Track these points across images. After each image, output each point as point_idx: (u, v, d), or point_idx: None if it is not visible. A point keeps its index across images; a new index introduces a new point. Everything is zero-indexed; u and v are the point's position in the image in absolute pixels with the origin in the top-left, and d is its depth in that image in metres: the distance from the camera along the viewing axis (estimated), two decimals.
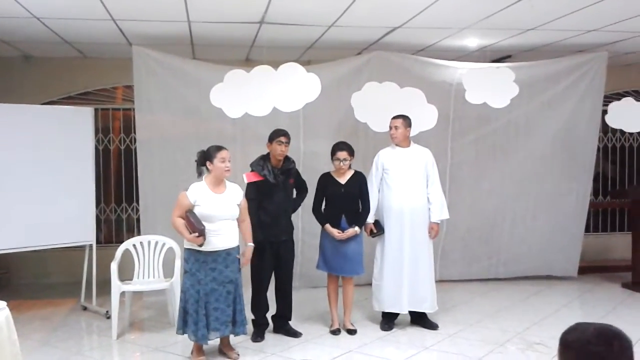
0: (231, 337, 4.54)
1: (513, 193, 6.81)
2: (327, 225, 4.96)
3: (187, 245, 4.31)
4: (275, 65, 5.35)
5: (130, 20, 5.37)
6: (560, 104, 6.67)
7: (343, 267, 5.00)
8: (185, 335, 4.33)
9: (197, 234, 4.11)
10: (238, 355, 4.47)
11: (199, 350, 4.40)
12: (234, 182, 4.49)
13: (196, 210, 4.21)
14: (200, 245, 4.18)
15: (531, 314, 5.62)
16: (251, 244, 4.54)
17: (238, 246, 4.41)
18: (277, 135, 4.84)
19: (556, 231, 6.88)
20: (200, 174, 4.39)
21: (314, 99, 5.30)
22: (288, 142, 4.86)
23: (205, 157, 4.32)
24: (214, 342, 4.51)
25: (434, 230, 5.15)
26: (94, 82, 7.26)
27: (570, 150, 6.80)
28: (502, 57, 7.03)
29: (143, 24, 5.48)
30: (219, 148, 4.31)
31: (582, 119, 6.72)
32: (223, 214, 4.27)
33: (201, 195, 4.25)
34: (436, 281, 5.48)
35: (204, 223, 4.15)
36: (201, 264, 4.25)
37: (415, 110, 5.42)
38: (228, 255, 4.31)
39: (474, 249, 6.91)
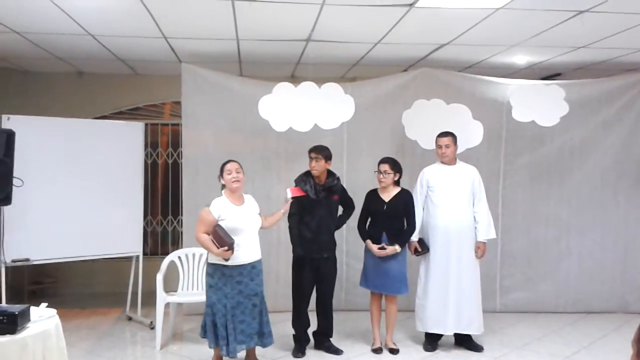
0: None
1: (577, 223, 6.43)
2: (368, 241, 4.93)
3: (212, 260, 4.32)
4: (321, 81, 5.43)
5: (181, 39, 5.49)
6: (615, 125, 6.36)
7: (384, 285, 4.93)
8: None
9: (226, 248, 4.13)
10: None
11: None
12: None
13: (222, 225, 4.24)
14: (227, 260, 4.21)
15: (580, 338, 5.44)
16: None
17: (261, 259, 4.45)
18: (310, 150, 4.90)
19: (628, 265, 6.44)
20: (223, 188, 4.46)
21: (349, 119, 5.46)
22: (320, 158, 4.83)
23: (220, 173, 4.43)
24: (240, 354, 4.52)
25: (481, 249, 5.04)
26: (144, 98, 7.46)
27: (634, 176, 6.42)
28: (551, 75, 6.89)
29: (193, 42, 5.61)
30: (226, 162, 4.42)
31: None
32: (247, 225, 4.32)
33: (224, 209, 4.28)
34: (497, 312, 5.25)
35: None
36: (227, 278, 4.27)
37: (461, 126, 5.36)
38: (253, 269, 4.34)
39: (539, 287, 6.42)
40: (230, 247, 4.13)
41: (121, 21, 4.93)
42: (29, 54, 6.07)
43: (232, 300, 4.26)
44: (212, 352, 4.48)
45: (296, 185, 4.87)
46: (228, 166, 4.38)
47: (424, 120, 5.60)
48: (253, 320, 4.32)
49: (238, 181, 4.33)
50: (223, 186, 4.40)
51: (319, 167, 4.84)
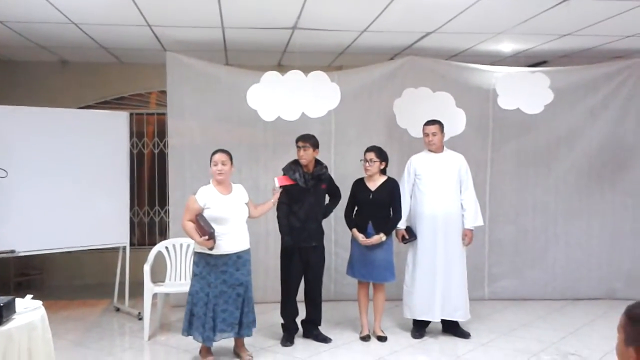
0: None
1: (564, 211, 6.46)
2: (354, 230, 4.94)
3: (197, 249, 4.34)
4: (307, 70, 5.38)
5: (166, 26, 5.44)
6: (601, 113, 6.37)
7: (370, 273, 4.94)
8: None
9: (207, 237, 4.13)
10: (251, 357, 4.51)
11: (206, 350, 4.42)
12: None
13: (207, 213, 4.24)
14: (211, 249, 4.20)
15: (567, 324, 5.50)
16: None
17: (249, 249, 4.45)
18: (297, 140, 4.89)
19: (615, 252, 6.47)
20: None
21: (335, 107, 5.39)
22: (308, 147, 4.82)
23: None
24: (229, 343, 4.54)
25: (468, 237, 5.07)
26: (129, 87, 7.39)
27: (620, 163, 6.43)
28: (537, 63, 6.90)
29: (178, 30, 5.55)
30: (215, 151, 4.42)
31: (628, 128, 6.39)
32: (233, 215, 4.31)
33: (210, 198, 4.28)
34: (485, 299, 5.34)
35: (215, 226, 4.18)
36: (212, 267, 4.27)
37: (445, 114, 5.36)
38: (239, 259, 4.33)
39: (527, 274, 6.44)
40: (211, 237, 4.13)
41: (104, 9, 4.86)
42: (11, 42, 5.98)
43: (216, 289, 4.26)
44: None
45: (284, 174, 4.86)
46: (215, 157, 4.37)
47: (413, 109, 5.61)
48: (236, 310, 4.32)
49: (222, 173, 4.32)
50: None
51: (307, 155, 4.82)
